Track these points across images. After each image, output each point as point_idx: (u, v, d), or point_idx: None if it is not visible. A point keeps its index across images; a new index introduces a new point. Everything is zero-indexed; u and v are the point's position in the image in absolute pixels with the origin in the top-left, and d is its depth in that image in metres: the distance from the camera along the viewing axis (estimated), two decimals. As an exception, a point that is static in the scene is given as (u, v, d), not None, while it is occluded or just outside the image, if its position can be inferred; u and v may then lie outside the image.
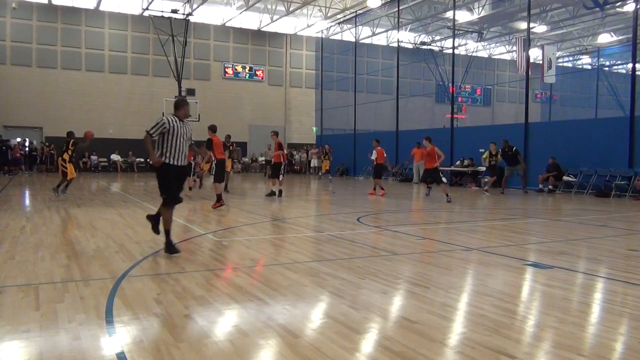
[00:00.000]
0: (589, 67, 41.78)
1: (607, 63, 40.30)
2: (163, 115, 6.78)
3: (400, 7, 28.77)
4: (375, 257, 6.72)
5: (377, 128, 32.98)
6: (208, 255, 6.74)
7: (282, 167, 14.96)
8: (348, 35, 35.53)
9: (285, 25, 36.53)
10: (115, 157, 32.43)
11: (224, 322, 4.05)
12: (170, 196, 6.62)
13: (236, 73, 36.24)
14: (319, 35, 35.71)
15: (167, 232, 6.57)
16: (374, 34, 36.04)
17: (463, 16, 31.17)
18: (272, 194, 14.94)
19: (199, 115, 29.98)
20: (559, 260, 6.62)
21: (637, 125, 16.36)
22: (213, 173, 12.86)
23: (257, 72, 36.88)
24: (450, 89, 25.66)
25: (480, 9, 31.25)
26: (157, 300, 4.50)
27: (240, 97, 36.24)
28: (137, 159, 32.74)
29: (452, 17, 27.57)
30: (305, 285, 5.18)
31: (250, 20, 35.64)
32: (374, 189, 16.82)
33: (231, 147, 17.09)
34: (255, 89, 36.88)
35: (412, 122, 32.45)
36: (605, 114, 30.25)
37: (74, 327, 3.81)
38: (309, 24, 35.32)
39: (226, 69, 35.94)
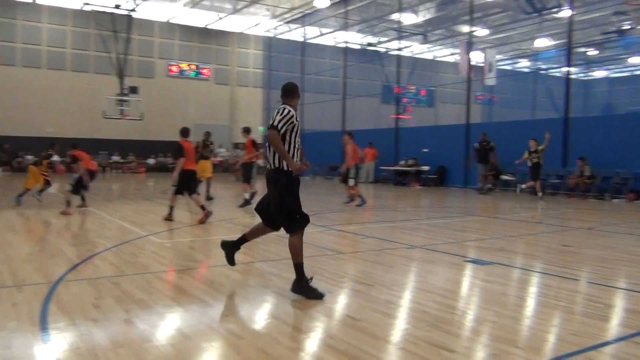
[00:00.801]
0: (527, 70, 43.39)
1: (544, 66, 41.94)
2: (286, 107, 4.78)
3: (348, 8, 29.02)
4: (320, 257, 6.75)
5: (324, 128, 33.13)
6: (150, 257, 6.59)
7: (254, 169, 13.19)
8: (296, 35, 35.52)
9: (233, 24, 36.13)
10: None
11: (166, 325, 3.97)
12: (306, 216, 4.87)
13: (181, 71, 35.56)
14: (267, 34, 35.54)
15: (300, 267, 4.77)
16: (321, 34, 36.16)
17: (408, 19, 31.73)
18: (246, 203, 12.53)
19: (142, 113, 29.26)
20: (498, 256, 6.85)
21: (570, 126, 17.12)
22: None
23: (203, 71, 36.32)
24: (396, 90, 26.09)
25: (425, 12, 31.92)
26: (96, 305, 4.36)
27: (185, 95, 35.60)
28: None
29: (398, 20, 28.06)
30: (250, 285, 5.14)
31: (197, 18, 35.05)
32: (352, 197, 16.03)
33: (211, 145, 14.96)
34: (201, 88, 36.31)
35: (358, 122, 32.76)
36: (541, 115, 31.49)
37: (5, 336, 3.64)
38: (257, 23, 35.09)
39: (171, 67, 35.21)
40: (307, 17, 32.20)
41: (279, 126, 4.67)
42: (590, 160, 15.70)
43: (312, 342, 3.69)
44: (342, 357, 3.32)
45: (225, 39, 37.05)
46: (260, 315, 4.34)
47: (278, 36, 35.73)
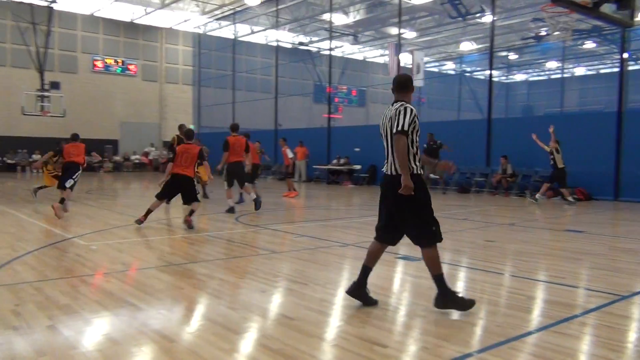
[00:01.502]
0: (453, 72, 44.99)
1: (469, 69, 43.65)
2: (406, 105, 4.28)
3: (279, 7, 28.96)
4: (254, 256, 6.71)
5: (256, 126, 32.88)
6: (74, 260, 6.30)
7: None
8: (226, 32, 35.05)
9: (160, 19, 35.14)
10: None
11: (93, 331, 3.81)
12: (440, 228, 4.39)
13: (107, 67, 34.21)
14: (197, 30, 34.84)
15: (442, 278, 4.36)
16: (252, 32, 35.90)
17: (339, 19, 32.09)
18: (231, 210, 11.22)
19: (64, 110, 27.92)
20: (427, 252, 7.05)
21: (493, 127, 17.91)
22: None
23: (129, 67, 35.13)
24: (328, 90, 26.32)
25: (356, 13, 32.38)
26: (15, 312, 4.12)
27: (111, 92, 34.29)
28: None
29: (329, 20, 28.30)
30: (181, 287, 5.03)
31: (122, 12, 33.83)
32: (289, 189, 15.94)
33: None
34: (128, 84, 35.09)
35: (291, 121, 32.80)
36: (466, 116, 32.79)
37: None
38: (186, 19, 34.33)
39: (95, 62, 33.81)
40: (237, 15, 31.85)
41: (409, 130, 4.19)
42: (511, 159, 16.49)
43: (247, 342, 3.66)
44: (276, 357, 3.31)
45: (153, 35, 36.00)
46: (193, 317, 4.25)
47: (208, 33, 35.12)
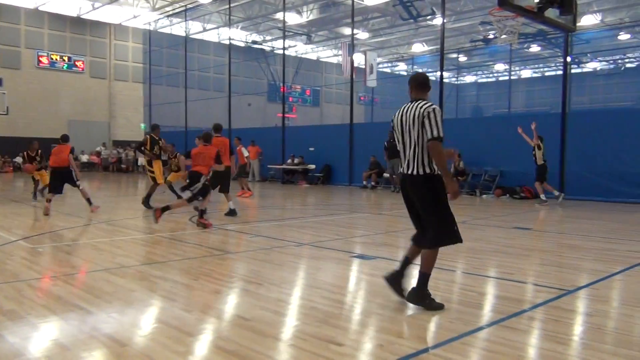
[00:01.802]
0: (405, 73, 45.71)
1: (420, 70, 44.45)
2: (434, 106, 4.25)
3: (231, 5, 28.66)
4: (208, 257, 6.62)
5: (209, 125, 32.45)
6: (20, 264, 6.05)
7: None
8: (178, 30, 34.45)
9: (109, 14, 34.21)
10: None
11: (40, 337, 3.67)
12: (458, 231, 4.40)
13: (52, 63, 33.06)
14: (147, 27, 34.09)
15: (427, 278, 4.42)
16: (205, 30, 35.44)
17: (292, 18, 32.08)
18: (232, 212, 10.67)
19: (7, 108, 26.78)
20: (381, 251, 7.15)
21: (444, 127, 18.26)
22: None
23: (77, 63, 34.05)
24: (282, 89, 26.26)
25: (309, 12, 32.45)
26: (-44, 319, 3.93)
27: (57, 89, 33.15)
28: None
29: (282, 19, 28.21)
30: (133, 290, 4.91)
31: (68, 6, 32.74)
32: (243, 189, 15.70)
33: (160, 142, 12.52)
34: (75, 81, 34.01)
35: (245, 121, 32.52)
36: (419, 117, 33.33)
37: None
38: (135, 15, 33.54)
39: (40, 58, 32.61)
40: (189, 12, 31.33)
41: (442, 135, 4.17)
42: (461, 159, 16.87)
43: (201, 344, 3.61)
44: (231, 358, 3.28)
45: (101, 30, 35.03)
46: (146, 320, 4.16)
47: (159, 30, 34.43)
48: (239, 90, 31.25)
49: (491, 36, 31.36)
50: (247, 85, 37.21)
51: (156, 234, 8.47)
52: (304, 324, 4.00)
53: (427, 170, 4.25)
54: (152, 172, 12.15)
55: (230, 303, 4.67)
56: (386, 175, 19.11)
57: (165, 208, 8.82)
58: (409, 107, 4.37)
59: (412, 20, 29.27)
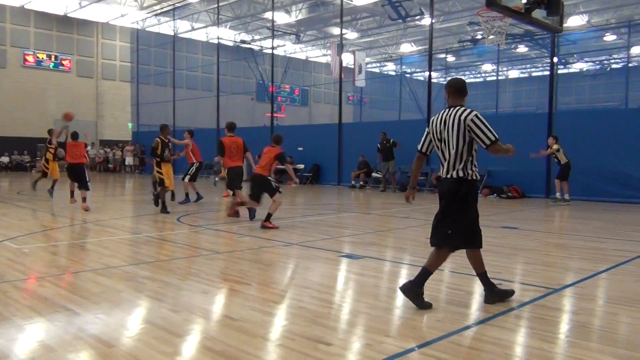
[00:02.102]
0: (394, 73, 45.81)
1: (409, 70, 44.58)
2: (476, 112, 4.37)
3: (220, 4, 28.57)
4: (196, 257, 6.59)
5: (197, 125, 32.35)
6: (5, 265, 5.98)
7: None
8: (166, 28, 34.26)
9: (96, 13, 33.94)
10: None
11: (26, 338, 3.64)
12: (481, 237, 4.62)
13: (39, 61, 32.74)
14: (135, 26, 33.86)
15: (429, 275, 4.49)
16: (193, 29, 35.28)
17: (281, 18, 32.03)
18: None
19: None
20: (370, 250, 7.16)
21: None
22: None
23: (63, 62, 33.75)
24: (270, 89, 26.21)
25: (298, 12, 32.42)
26: (-61, 321, 3.88)
27: (43, 88, 32.83)
28: None
29: (271, 18, 28.16)
30: (120, 290, 4.88)
31: (55, 4, 32.43)
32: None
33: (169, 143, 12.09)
34: (61, 80, 33.70)
35: (233, 120, 32.38)
36: (407, 116, 33.40)
37: None
38: (123, 14, 33.31)
39: (26, 57, 32.28)
40: (177, 11, 31.16)
41: (497, 135, 4.31)
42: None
43: (189, 345, 3.59)
44: (219, 358, 3.27)
45: (88, 29, 34.74)
46: (133, 321, 4.14)
47: (147, 29, 34.22)
48: (227, 90, 31.16)
49: (479, 37, 31.50)
50: (236, 84, 37.10)
51: (144, 234, 8.42)
52: (292, 323, 4.00)
53: (461, 174, 4.33)
54: (161, 174, 11.14)
55: (218, 303, 4.66)
56: (377, 175, 19.15)
57: (241, 204, 9.34)
58: (448, 113, 4.41)
59: (400, 21, 29.31)
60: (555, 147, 13.33)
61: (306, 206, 14.03)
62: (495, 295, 4.48)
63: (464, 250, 4.66)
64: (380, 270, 6.12)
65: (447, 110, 4.46)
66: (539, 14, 8.53)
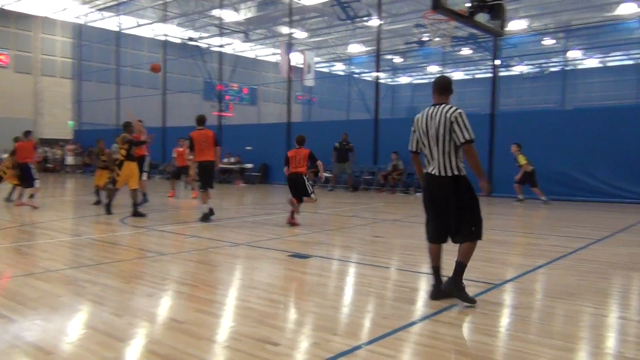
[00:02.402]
0: (342, 73, 46.15)
1: (357, 71, 45.02)
2: (460, 111, 4.44)
3: (167, 0, 28.01)
4: (140, 259, 6.43)
5: (143, 124, 31.59)
6: None
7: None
8: (110, 24, 33.25)
9: (35, 6, 32.53)
10: None
11: (-44, 347, 3.45)
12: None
13: (-28, 56, 31.13)
14: (77, 21, 32.70)
15: (464, 268, 4.57)
16: (138, 25, 34.35)
17: (229, 16, 31.67)
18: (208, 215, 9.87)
19: None
20: (317, 249, 7.19)
21: (380, 127, 18.60)
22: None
23: (0, 57, 32.18)
24: (218, 87, 25.90)
25: (246, 10, 32.15)
26: None
27: (-23, 84, 31.23)
28: None
29: (218, 16, 27.84)
30: (59, 295, 4.70)
31: (-10, -3, 30.91)
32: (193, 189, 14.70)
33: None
34: (-3, 76, 32.15)
35: (179, 119, 31.80)
36: (356, 116, 33.77)
37: None
38: (64, 8, 32.08)
39: (-41, 51, 30.63)
40: (122, 6, 30.33)
41: (474, 137, 4.37)
42: (400, 157, 17.22)
43: (133, 349, 3.50)
44: (165, 362, 3.21)
45: (27, 23, 33.26)
46: (73, 326, 3.99)
47: (89, 24, 33.11)
48: (173, 88, 30.57)
49: (425, 38, 32.17)
50: (183, 82, 36.42)
51: (85, 236, 8.15)
52: (239, 324, 3.96)
53: (455, 172, 4.42)
54: (119, 174, 10.37)
55: (164, 306, 4.56)
56: (328, 175, 19.11)
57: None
58: (434, 111, 4.49)
59: (349, 21, 29.57)
60: (521, 158, 13.59)
61: (255, 206, 13.95)
62: (459, 291, 4.48)
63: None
64: (328, 269, 6.15)
65: (432, 107, 4.54)
66: (482, 17, 8.79)
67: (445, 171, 4.43)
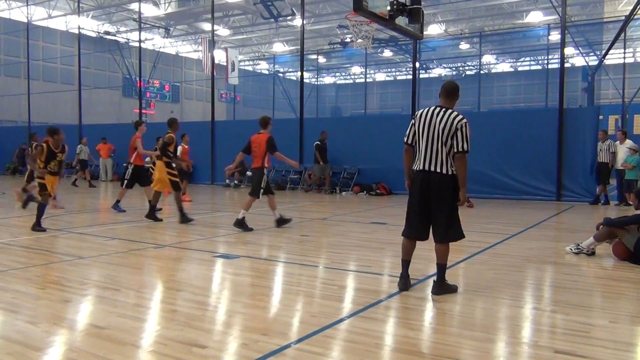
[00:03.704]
0: (267, 72, 45.98)
1: (281, 70, 45.02)
2: (465, 119, 4.62)
3: (80, -8, 26.76)
4: (57, 264, 6.11)
5: (56, 120, 30.00)
6: None
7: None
8: (18, 15, 31.30)
9: None
10: None
11: None
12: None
13: None
14: (-20, 10, 30.57)
15: (445, 268, 4.88)
16: (50, 17, 32.56)
17: (149, 10, 30.69)
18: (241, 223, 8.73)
19: None
20: (245, 249, 7.13)
21: (305, 126, 18.70)
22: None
23: None
24: (138, 84, 25.04)
25: (167, 5, 31.27)
26: None
27: None
28: None
29: (137, 10, 26.88)
30: (-33, 304, 4.38)
31: None
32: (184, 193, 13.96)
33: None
34: None
35: (97, 116, 30.48)
36: (281, 115, 33.75)
37: None
38: (-34, -4, 29.90)
39: None
40: (31, -4, 28.66)
41: (469, 149, 4.58)
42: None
43: (50, 359, 3.32)
44: (86, 371, 3.07)
45: None
46: (-17, 337, 3.73)
47: (-4, 14, 31.04)
48: (90, 84, 29.25)
49: (348, 39, 32.67)
50: (100, 78, 34.95)
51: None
52: (164, 328, 3.86)
53: (452, 172, 4.64)
54: (175, 175, 9.94)
55: (83, 312, 4.36)
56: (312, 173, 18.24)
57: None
58: (439, 112, 4.66)
59: (272, 20, 29.51)
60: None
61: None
62: (444, 288, 4.79)
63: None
64: (255, 269, 6.12)
65: (437, 108, 4.70)
66: (401, 21, 9.03)
67: (447, 170, 4.62)
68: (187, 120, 34.20)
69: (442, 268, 4.80)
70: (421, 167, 4.71)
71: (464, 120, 4.61)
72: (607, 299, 4.88)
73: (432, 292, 4.77)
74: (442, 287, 4.78)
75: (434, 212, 4.71)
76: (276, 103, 37.51)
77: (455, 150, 4.58)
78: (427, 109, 4.76)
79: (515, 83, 44.76)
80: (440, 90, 4.82)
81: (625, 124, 21.20)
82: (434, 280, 4.85)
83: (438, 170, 4.62)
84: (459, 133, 4.57)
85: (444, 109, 4.67)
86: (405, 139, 4.89)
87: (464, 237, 4.85)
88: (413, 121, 4.82)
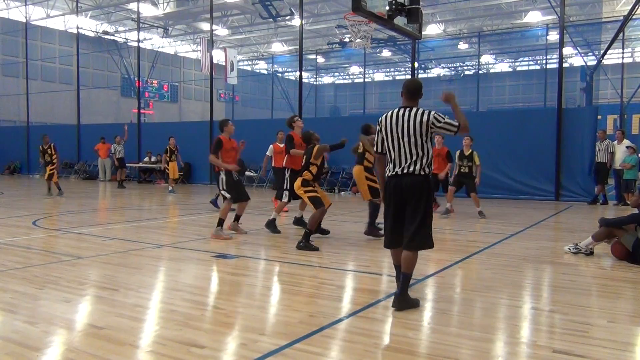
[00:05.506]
0: (266, 72, 45.96)
1: (280, 70, 45.00)
2: (428, 110, 4.47)
3: (79, -9, 26.74)
4: (55, 263, 6.11)
5: (55, 120, 30.00)
6: None
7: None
8: (17, 14, 31.25)
9: None
10: None
11: None
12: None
13: None
14: (-21, 10, 30.50)
15: (410, 279, 4.51)
16: (48, 17, 32.51)
17: (148, 10, 30.66)
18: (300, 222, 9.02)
19: None
20: (243, 249, 7.13)
21: (304, 126, 18.66)
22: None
23: None
24: (137, 84, 25.03)
25: (165, 5, 31.24)
26: None
27: None
28: None
29: (136, 9, 26.86)
30: (-35, 304, 4.37)
31: None
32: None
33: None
34: None
35: (95, 116, 30.47)
36: (279, 115, 33.72)
37: None
38: (-36, -5, 29.83)
39: None
40: (30, -4, 28.62)
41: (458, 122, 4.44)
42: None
43: (49, 359, 3.32)
44: (85, 371, 3.07)
45: None
46: (-19, 337, 3.73)
47: (-6, 13, 31.00)
48: (88, 84, 29.21)
49: (347, 39, 32.66)
50: (98, 78, 34.90)
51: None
52: (163, 328, 3.86)
53: (427, 171, 4.39)
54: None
55: (82, 312, 4.36)
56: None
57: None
58: (404, 113, 4.44)
59: (271, 20, 29.48)
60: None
61: (177, 206, 13.60)
62: (406, 302, 4.34)
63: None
64: (254, 269, 6.12)
65: (402, 109, 4.48)
66: (400, 21, 9.04)
67: (420, 170, 4.34)
68: (186, 120, 34.22)
69: (406, 278, 4.36)
70: (392, 172, 4.44)
71: (432, 111, 4.41)
72: (605, 299, 4.89)
73: (392, 306, 4.32)
74: (404, 301, 4.31)
75: (407, 217, 4.38)
76: (275, 103, 37.48)
77: (455, 132, 4.45)
78: (390, 112, 4.53)
79: (513, 83, 44.76)
80: (402, 90, 4.58)
81: (623, 124, 21.22)
82: (395, 294, 4.41)
83: (410, 171, 4.35)
84: (437, 123, 4.37)
85: (408, 109, 4.46)
86: (374, 148, 4.67)
87: (432, 246, 4.44)
88: (379, 127, 4.56)
